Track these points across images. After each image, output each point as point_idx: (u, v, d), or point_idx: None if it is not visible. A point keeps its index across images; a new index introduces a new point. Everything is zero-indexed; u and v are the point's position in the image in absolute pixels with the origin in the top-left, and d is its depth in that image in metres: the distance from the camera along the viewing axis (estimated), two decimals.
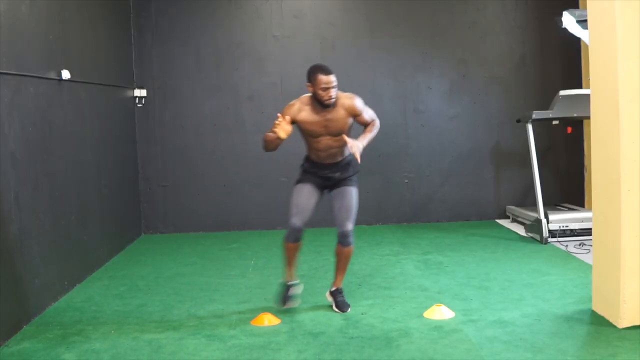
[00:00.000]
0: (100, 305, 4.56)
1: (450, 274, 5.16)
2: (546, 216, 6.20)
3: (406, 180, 7.43)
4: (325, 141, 4.17)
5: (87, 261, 5.36)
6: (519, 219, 7.06)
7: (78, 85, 5.30)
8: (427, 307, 4.22)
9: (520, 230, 6.79)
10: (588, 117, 6.19)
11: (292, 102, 4.20)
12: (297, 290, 4.42)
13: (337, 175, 4.26)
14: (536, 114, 6.34)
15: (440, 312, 4.09)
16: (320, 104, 4.07)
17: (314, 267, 5.53)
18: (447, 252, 5.92)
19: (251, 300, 4.61)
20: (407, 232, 6.96)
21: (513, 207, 7.30)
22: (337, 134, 4.13)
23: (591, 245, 5.21)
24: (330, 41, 7.32)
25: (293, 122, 4.14)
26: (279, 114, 4.06)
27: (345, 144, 4.15)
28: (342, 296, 4.33)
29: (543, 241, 6.14)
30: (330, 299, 4.38)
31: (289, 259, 4.33)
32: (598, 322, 3.88)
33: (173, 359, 3.53)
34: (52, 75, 4.78)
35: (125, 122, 6.85)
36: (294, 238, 4.22)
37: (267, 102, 7.30)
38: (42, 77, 4.58)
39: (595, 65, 3.99)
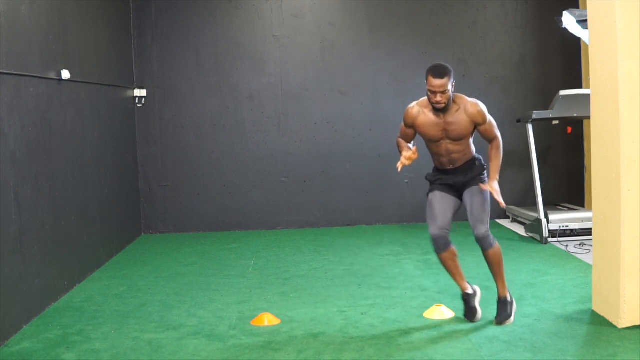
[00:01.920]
0: (100, 305, 4.56)
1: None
2: (546, 216, 6.20)
3: (406, 180, 7.43)
4: (445, 145, 3.92)
5: (87, 261, 5.36)
6: (519, 219, 7.06)
7: (78, 85, 5.30)
8: (427, 307, 4.21)
9: (520, 230, 6.79)
10: (588, 117, 6.19)
11: (411, 106, 3.99)
12: (478, 296, 4.07)
13: (462, 178, 4.00)
14: (536, 114, 6.34)
15: (440, 312, 4.09)
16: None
17: (314, 267, 5.53)
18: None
19: (251, 300, 4.61)
20: (407, 232, 6.96)
21: (513, 207, 7.29)
22: (458, 139, 3.90)
23: (591, 245, 5.21)
24: (330, 41, 7.32)
25: (412, 126, 3.97)
26: (407, 152, 3.83)
27: (467, 146, 3.96)
28: (505, 306, 3.95)
29: (543, 241, 6.13)
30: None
31: (450, 270, 4.02)
32: (598, 322, 3.87)
33: (173, 359, 3.53)
34: (52, 75, 4.78)
35: (125, 122, 6.85)
36: (440, 247, 3.94)
37: (267, 102, 7.30)
38: (42, 77, 4.58)
39: (595, 65, 3.99)
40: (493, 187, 3.85)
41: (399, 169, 3.89)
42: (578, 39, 6.98)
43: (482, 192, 3.98)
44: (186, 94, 7.26)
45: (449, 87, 3.75)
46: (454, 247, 3.98)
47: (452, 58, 7.39)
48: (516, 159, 7.48)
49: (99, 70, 5.93)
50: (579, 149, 7.50)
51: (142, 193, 7.26)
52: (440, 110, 3.85)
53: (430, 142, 3.99)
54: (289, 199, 7.38)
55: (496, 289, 4.04)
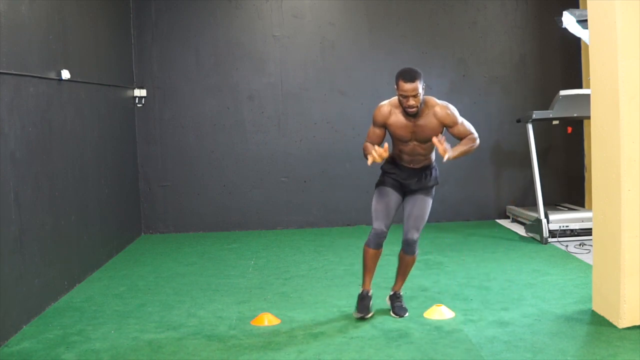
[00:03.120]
0: (100, 305, 4.56)
1: (450, 274, 5.16)
2: (546, 216, 6.20)
3: None
4: (413, 146, 3.97)
5: (87, 261, 5.36)
6: (519, 219, 7.06)
7: (78, 85, 5.30)
8: (427, 307, 4.21)
9: (520, 230, 6.79)
10: (588, 117, 6.19)
11: (382, 104, 3.99)
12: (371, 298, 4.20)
13: (415, 182, 4.06)
14: (536, 114, 6.34)
15: (440, 312, 4.09)
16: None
17: (314, 267, 5.53)
18: (447, 252, 5.92)
19: (251, 300, 4.61)
20: None
21: (513, 207, 7.30)
22: (426, 141, 3.92)
23: (591, 245, 5.21)
24: (330, 41, 7.32)
25: (383, 125, 3.99)
26: (379, 149, 3.83)
27: (432, 151, 3.99)
28: (400, 301, 4.18)
29: (543, 241, 6.13)
30: (388, 303, 4.24)
31: (368, 266, 4.12)
32: (598, 322, 3.87)
33: (173, 359, 3.53)
34: (52, 75, 4.78)
35: (125, 122, 6.85)
36: (376, 243, 4.05)
37: (267, 102, 7.30)
38: (42, 77, 4.58)
39: (595, 65, 3.99)
40: (448, 148, 3.71)
41: (369, 164, 3.89)
42: (578, 39, 6.98)
43: (427, 202, 4.08)
44: (186, 94, 7.26)
45: (420, 90, 3.77)
46: (382, 248, 4.13)
47: (452, 58, 7.39)
48: (516, 159, 7.48)
49: (99, 70, 5.93)
50: (579, 149, 7.50)
51: (142, 193, 7.26)
52: (414, 115, 3.87)
53: (398, 141, 4.02)
54: (289, 199, 7.38)
55: (394, 284, 4.27)
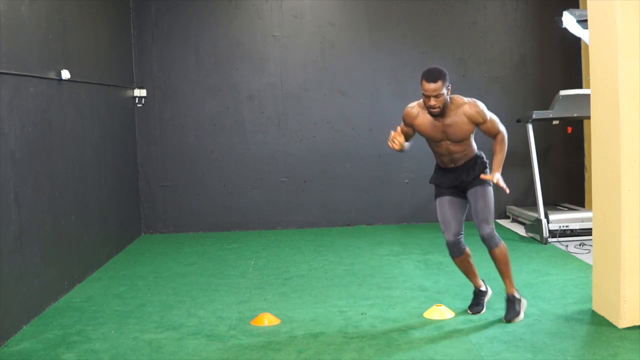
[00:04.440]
0: (100, 305, 4.56)
1: (450, 274, 5.15)
2: (546, 216, 6.20)
3: (406, 180, 7.43)
4: (447, 146, 3.93)
5: (87, 261, 5.36)
6: (519, 219, 7.06)
7: (78, 85, 5.30)
8: (427, 307, 4.21)
9: (520, 230, 6.78)
10: (588, 117, 6.19)
11: (411, 105, 3.99)
12: (488, 295, 4.23)
13: (465, 176, 4.00)
14: (536, 114, 6.34)
15: (440, 312, 4.09)
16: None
17: (314, 267, 5.53)
18: (447, 252, 5.91)
19: (251, 300, 4.61)
20: (407, 232, 6.96)
21: (513, 207, 7.30)
22: (458, 140, 3.89)
23: (591, 245, 5.21)
24: (330, 41, 7.32)
25: (411, 126, 3.98)
26: (396, 130, 3.86)
27: (468, 146, 3.95)
28: (513, 303, 3.96)
29: (543, 241, 6.13)
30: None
31: (465, 271, 4.15)
32: (598, 322, 3.87)
33: (173, 359, 3.53)
34: (52, 75, 4.78)
35: (125, 122, 6.85)
36: (456, 252, 4.04)
37: (267, 102, 7.30)
38: (42, 77, 4.58)
39: (595, 65, 3.98)
40: (494, 176, 3.84)
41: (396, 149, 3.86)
42: (578, 39, 6.97)
43: (486, 192, 4.00)
44: (186, 94, 7.26)
45: (443, 91, 3.74)
46: (468, 249, 4.08)
47: (452, 58, 7.39)
48: (516, 159, 7.48)
49: (99, 70, 5.93)
50: (579, 149, 7.50)
51: (142, 193, 7.26)
52: (437, 116, 3.85)
53: (431, 142, 4.01)
54: (289, 199, 7.38)
55: (503, 288, 4.10)
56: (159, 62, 7.21)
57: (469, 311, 4.14)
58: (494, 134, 3.97)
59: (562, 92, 6.20)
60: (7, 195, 3.98)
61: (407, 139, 4.03)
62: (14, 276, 4.02)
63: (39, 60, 4.56)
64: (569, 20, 5.68)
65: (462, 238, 4.03)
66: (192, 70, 7.25)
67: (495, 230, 3.98)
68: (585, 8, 5.69)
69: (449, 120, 3.86)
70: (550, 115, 6.33)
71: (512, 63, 7.47)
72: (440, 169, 4.10)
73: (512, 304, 3.99)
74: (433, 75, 3.73)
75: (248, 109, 7.31)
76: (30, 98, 4.38)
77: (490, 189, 4.03)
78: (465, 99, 3.91)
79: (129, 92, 6.97)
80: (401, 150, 3.87)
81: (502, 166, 3.92)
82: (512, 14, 7.43)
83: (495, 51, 7.45)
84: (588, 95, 5.49)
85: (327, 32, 7.31)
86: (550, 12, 7.19)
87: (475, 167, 4.03)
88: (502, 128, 3.98)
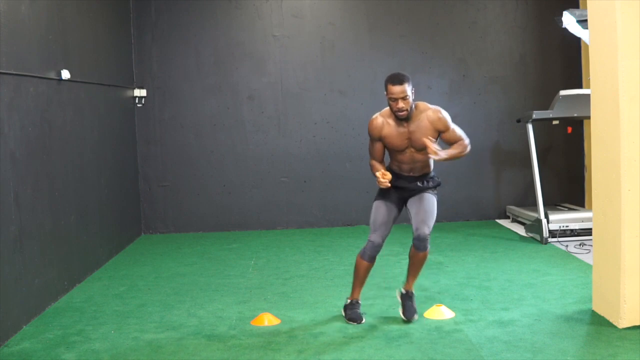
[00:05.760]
0: (100, 305, 4.56)
1: (450, 274, 5.16)
2: (546, 216, 6.20)
3: None
4: (411, 154, 3.96)
5: (87, 261, 5.36)
6: (519, 219, 7.06)
7: (78, 85, 5.30)
8: (427, 307, 4.21)
9: (520, 230, 6.78)
10: (588, 117, 6.19)
11: (374, 117, 4.02)
12: (359, 310, 4.16)
13: (415, 184, 4.04)
14: (536, 114, 6.34)
15: (440, 312, 4.09)
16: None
17: (314, 267, 5.53)
18: (447, 252, 5.92)
19: (251, 300, 4.61)
20: (407, 232, 6.93)
21: (513, 207, 7.29)
22: (422, 148, 3.89)
23: (591, 245, 5.21)
24: (330, 41, 7.32)
25: (379, 139, 4.00)
26: (379, 172, 3.88)
27: (428, 159, 3.98)
28: (412, 301, 4.08)
29: (543, 241, 6.13)
30: (399, 300, 4.15)
31: (360, 278, 4.12)
32: (598, 322, 3.87)
33: (173, 359, 3.53)
34: (52, 75, 4.78)
35: (125, 122, 6.85)
36: (370, 256, 4.04)
37: (267, 102, 7.30)
38: (42, 77, 4.58)
39: (595, 65, 3.99)
40: (438, 149, 3.78)
41: (386, 185, 3.88)
42: (578, 39, 6.97)
43: (432, 198, 4.04)
44: (186, 94, 7.26)
45: (409, 93, 3.79)
46: (375, 261, 4.08)
47: (452, 58, 7.39)
48: (516, 159, 7.48)
49: (99, 70, 5.93)
50: (579, 149, 7.50)
51: (142, 193, 7.26)
52: (403, 118, 3.87)
53: (395, 152, 4.01)
54: (289, 199, 7.38)
55: (406, 282, 4.18)
56: (159, 62, 7.21)
57: (348, 320, 4.05)
58: (456, 140, 3.95)
59: (562, 92, 6.20)
60: (7, 195, 3.98)
61: (380, 158, 4.05)
62: (14, 276, 4.02)
63: (39, 60, 4.56)
64: (569, 20, 5.68)
65: (383, 245, 4.04)
66: (192, 70, 7.25)
67: (429, 238, 3.99)
68: (585, 8, 5.69)
69: (413, 125, 3.90)
70: (550, 115, 6.33)
71: (512, 63, 7.47)
72: (394, 173, 4.05)
73: (411, 300, 4.07)
74: (398, 78, 3.80)
75: (248, 108, 7.31)
76: (30, 98, 4.38)
77: (435, 200, 4.06)
78: (430, 106, 3.95)
79: (129, 92, 6.97)
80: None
81: (448, 156, 3.85)
82: (512, 13, 7.43)
83: (495, 51, 7.45)
84: (588, 95, 5.49)
85: (327, 32, 7.31)
86: (550, 12, 7.19)
87: (428, 182, 4.06)
88: (467, 140, 3.98)
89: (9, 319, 3.90)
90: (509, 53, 7.46)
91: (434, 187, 4.10)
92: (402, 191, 4.06)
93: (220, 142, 7.30)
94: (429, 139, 3.79)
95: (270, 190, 7.35)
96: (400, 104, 3.80)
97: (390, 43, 7.34)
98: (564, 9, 5.82)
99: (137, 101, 7.15)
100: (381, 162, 4.07)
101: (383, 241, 4.03)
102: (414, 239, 3.98)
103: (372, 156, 4.08)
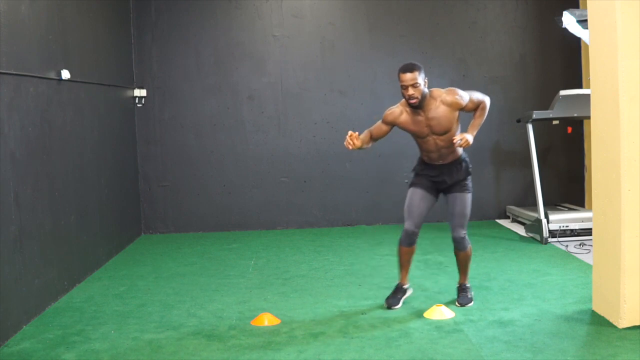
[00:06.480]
0: (100, 305, 4.56)
1: (450, 274, 5.15)
2: (546, 216, 6.20)
3: (406, 180, 7.42)
4: (434, 141, 4.10)
5: (87, 261, 5.36)
6: (519, 219, 7.06)
7: (78, 85, 5.30)
8: (427, 307, 4.21)
9: (520, 230, 6.78)
10: (588, 117, 6.19)
11: (394, 106, 4.17)
12: (408, 293, 4.40)
13: (448, 178, 4.19)
14: (536, 114, 6.34)
15: (440, 312, 4.09)
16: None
17: (314, 267, 5.53)
18: (447, 252, 5.91)
19: (251, 300, 4.61)
20: None
21: (513, 207, 7.29)
22: (443, 132, 4.06)
23: (591, 245, 5.21)
24: (330, 41, 7.32)
25: (395, 125, 4.15)
26: (350, 133, 4.01)
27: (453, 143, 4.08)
28: (466, 292, 4.34)
29: (543, 241, 6.13)
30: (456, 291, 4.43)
31: (403, 263, 4.32)
32: (598, 322, 3.87)
33: (173, 359, 3.53)
34: (52, 75, 4.78)
35: (125, 122, 6.85)
36: (408, 242, 4.22)
37: (267, 102, 7.30)
38: (42, 77, 4.58)
39: (595, 65, 3.99)
40: (465, 135, 3.96)
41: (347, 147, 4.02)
42: (578, 39, 6.97)
43: (466, 199, 4.20)
44: (186, 94, 7.26)
45: (419, 81, 3.95)
46: (415, 245, 4.30)
47: (452, 58, 7.39)
48: (516, 159, 7.48)
49: (99, 70, 5.93)
50: (579, 149, 7.50)
51: (142, 193, 7.26)
52: (416, 107, 4.02)
53: (418, 139, 4.16)
54: (289, 199, 7.38)
55: (459, 277, 4.46)
56: (159, 62, 7.21)
57: (385, 303, 4.30)
58: (478, 104, 4.13)
59: (562, 92, 6.20)
60: (7, 195, 3.98)
61: (376, 139, 4.19)
62: (14, 276, 4.02)
63: (39, 60, 4.56)
64: (569, 20, 5.68)
65: (419, 231, 4.22)
66: (192, 70, 7.25)
67: (467, 235, 4.25)
68: (585, 8, 5.69)
69: (431, 113, 4.04)
70: (550, 115, 6.33)
71: (512, 63, 7.47)
72: (425, 164, 4.24)
73: (465, 291, 4.35)
74: (408, 66, 3.98)
75: (248, 108, 7.31)
76: (30, 98, 4.38)
77: (470, 196, 4.24)
78: (443, 90, 4.08)
79: (129, 92, 6.97)
80: (360, 148, 4.04)
81: (475, 130, 4.07)
82: (512, 13, 7.43)
83: (495, 51, 7.45)
84: (588, 95, 5.49)
85: (327, 32, 7.31)
86: (550, 12, 7.19)
87: (460, 169, 4.21)
88: (484, 97, 4.15)
89: (9, 319, 3.90)
90: (509, 53, 7.46)
91: (466, 179, 4.22)
92: (437, 183, 4.22)
93: (220, 142, 7.30)
94: (455, 140, 3.95)
95: (270, 190, 7.35)
96: (410, 91, 3.95)
97: (390, 43, 7.34)
98: (564, 9, 5.82)
99: (137, 101, 7.15)
100: (371, 138, 4.17)
101: (417, 228, 4.20)
102: (453, 240, 4.25)
103: (371, 129, 4.21)
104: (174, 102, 7.25)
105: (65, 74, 4.92)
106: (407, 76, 3.94)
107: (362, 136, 4.09)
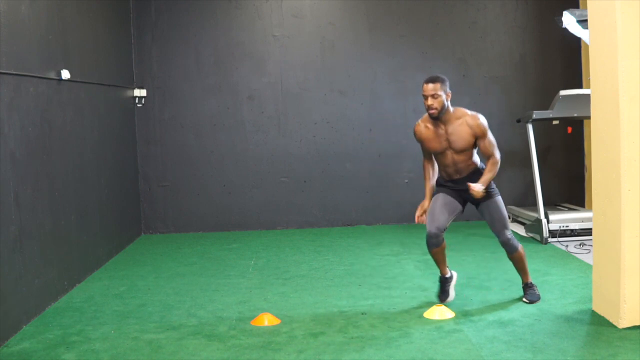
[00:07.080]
0: (100, 306, 4.56)
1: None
2: (546, 216, 6.20)
3: (406, 180, 7.43)
4: (451, 156, 4.21)
5: (87, 261, 5.36)
6: (519, 219, 7.06)
7: (78, 85, 5.30)
8: (427, 307, 4.21)
9: (521, 230, 6.78)
10: (588, 117, 6.19)
11: (416, 123, 4.30)
12: (454, 280, 4.45)
13: (467, 186, 4.22)
14: (536, 114, 6.34)
15: (440, 312, 4.09)
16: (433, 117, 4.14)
17: (314, 267, 5.53)
18: (447, 252, 5.90)
19: (251, 300, 4.61)
20: (407, 232, 6.96)
21: (513, 207, 7.29)
22: (460, 150, 4.17)
23: (591, 245, 5.21)
24: (330, 41, 7.32)
25: (421, 142, 4.29)
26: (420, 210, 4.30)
27: (471, 156, 4.23)
28: (532, 289, 4.39)
29: (543, 241, 6.13)
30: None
31: (437, 261, 4.38)
32: (598, 322, 3.87)
33: (173, 359, 3.53)
34: (52, 75, 4.78)
35: (125, 122, 6.85)
36: (434, 244, 4.26)
37: (267, 102, 7.30)
38: (42, 77, 4.58)
39: (595, 65, 3.98)
40: (477, 186, 4.09)
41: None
42: (578, 39, 6.97)
43: (498, 203, 4.32)
44: (186, 94, 7.26)
45: (441, 93, 4.07)
46: (444, 242, 4.30)
47: (452, 58, 7.39)
48: (516, 159, 7.48)
49: (99, 70, 5.93)
50: (579, 149, 7.50)
51: (142, 193, 7.26)
52: (436, 118, 4.12)
53: (436, 154, 4.26)
54: (289, 199, 7.38)
55: (522, 278, 4.47)
56: (159, 62, 7.21)
57: (438, 300, 4.37)
58: (488, 155, 4.22)
59: (562, 92, 6.20)
60: (7, 195, 3.98)
61: (431, 158, 4.35)
62: (14, 276, 4.02)
63: (39, 60, 4.56)
64: (569, 20, 5.68)
65: (443, 234, 4.25)
66: (192, 70, 7.25)
67: (513, 235, 4.29)
68: (585, 8, 5.69)
69: (451, 128, 4.15)
70: (550, 115, 6.33)
71: (512, 63, 7.47)
72: (444, 180, 4.35)
73: (532, 288, 4.39)
74: (432, 77, 4.13)
75: (248, 108, 7.31)
76: (30, 98, 4.38)
77: (499, 198, 4.35)
78: (469, 112, 4.19)
79: (129, 92, 6.97)
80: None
81: (487, 183, 4.19)
82: (512, 13, 7.43)
83: (495, 51, 7.45)
84: (588, 95, 5.49)
85: (327, 32, 7.31)
86: (550, 12, 7.19)
87: (479, 177, 4.25)
88: (498, 153, 4.26)
89: (9, 319, 3.90)
90: (509, 53, 7.46)
91: (489, 187, 4.27)
92: (460, 190, 4.29)
93: (220, 142, 7.31)
94: (471, 187, 4.05)
95: (270, 190, 7.35)
96: (430, 101, 4.06)
97: (390, 43, 7.34)
98: (564, 9, 5.82)
99: (137, 101, 7.15)
100: (430, 159, 4.35)
101: (439, 230, 4.22)
102: (501, 244, 4.31)
103: (424, 156, 4.38)
104: (174, 102, 7.25)
105: (65, 74, 4.92)
106: (429, 86, 4.06)
107: (427, 188, 4.35)
